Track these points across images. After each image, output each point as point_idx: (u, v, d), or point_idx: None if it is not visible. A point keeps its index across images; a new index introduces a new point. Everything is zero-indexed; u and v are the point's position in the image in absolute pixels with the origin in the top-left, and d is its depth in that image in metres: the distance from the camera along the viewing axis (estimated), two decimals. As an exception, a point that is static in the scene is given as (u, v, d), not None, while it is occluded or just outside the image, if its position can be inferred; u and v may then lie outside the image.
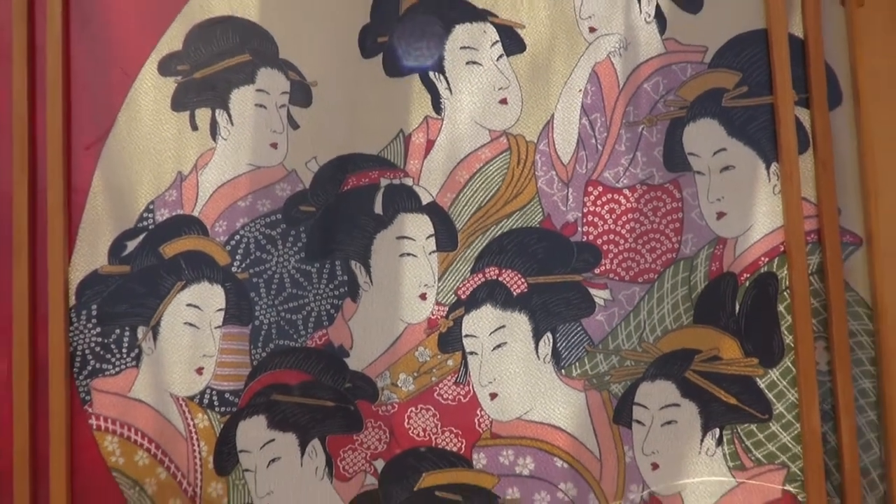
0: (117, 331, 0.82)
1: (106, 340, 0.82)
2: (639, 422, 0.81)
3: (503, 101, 0.85)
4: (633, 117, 0.84)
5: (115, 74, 0.83)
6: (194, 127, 0.84)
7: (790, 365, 0.80)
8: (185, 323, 0.82)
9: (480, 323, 0.80)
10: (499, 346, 0.81)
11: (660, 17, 0.85)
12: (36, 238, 0.83)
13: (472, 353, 0.80)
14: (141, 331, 0.82)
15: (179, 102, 0.84)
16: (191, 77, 0.85)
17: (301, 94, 0.84)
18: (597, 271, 0.81)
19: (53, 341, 0.82)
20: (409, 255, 0.83)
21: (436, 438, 0.81)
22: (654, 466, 0.82)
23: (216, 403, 0.81)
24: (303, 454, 0.80)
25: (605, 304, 0.80)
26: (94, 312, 0.82)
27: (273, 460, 0.81)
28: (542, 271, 0.83)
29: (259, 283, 0.81)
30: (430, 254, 0.84)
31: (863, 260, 0.82)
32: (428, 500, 0.79)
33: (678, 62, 0.85)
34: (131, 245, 0.85)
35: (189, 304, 0.82)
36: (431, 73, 0.85)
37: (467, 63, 0.86)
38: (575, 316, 0.83)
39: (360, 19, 0.85)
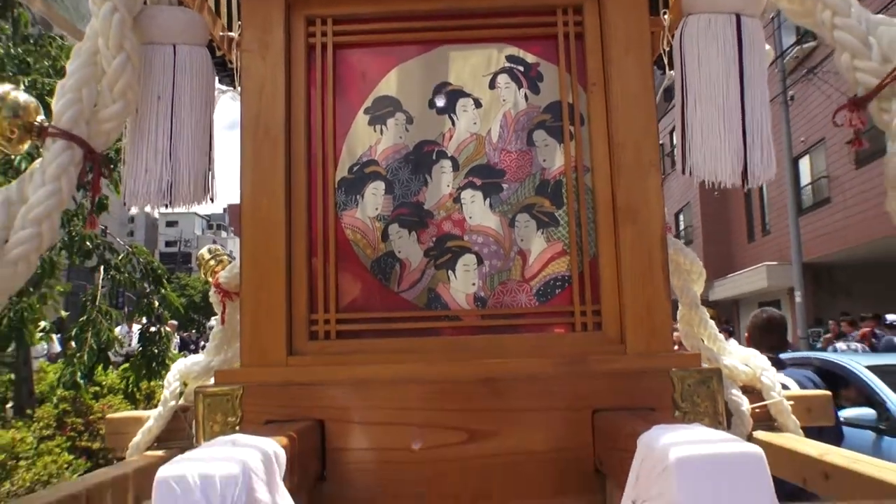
0: (352, 196, 2.21)
1: (346, 199, 2.22)
2: (517, 226, 2.24)
3: (475, 123, 2.26)
4: (517, 129, 2.25)
5: (349, 112, 2.36)
6: (375, 130, 2.25)
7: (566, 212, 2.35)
8: (371, 193, 2.23)
9: (467, 194, 2.21)
10: (473, 201, 2.23)
11: (525, 97, 2.24)
12: (325, 167, 2.24)
13: (463, 203, 2.25)
14: (358, 196, 2.23)
15: (371, 122, 2.23)
16: (374, 114, 2.25)
17: (410, 121, 2.27)
18: (505, 178, 2.24)
19: (329, 201, 2.19)
20: (444, 172, 2.26)
21: (452, 231, 2.24)
22: (522, 240, 2.25)
23: (383, 218, 2.22)
24: (408, 235, 2.33)
25: (506, 188, 2.28)
26: (342, 190, 2.21)
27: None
28: (486, 178, 2.21)
29: (395, 180, 2.22)
30: (451, 172, 2.24)
31: (590, 177, 2.29)
32: (448, 250, 2.25)
33: (532, 111, 2.23)
34: (355, 168, 2.23)
35: (373, 187, 2.22)
36: (451, 113, 2.26)
37: (462, 111, 2.23)
38: (497, 192, 2.20)
39: (428, 96, 2.26)
